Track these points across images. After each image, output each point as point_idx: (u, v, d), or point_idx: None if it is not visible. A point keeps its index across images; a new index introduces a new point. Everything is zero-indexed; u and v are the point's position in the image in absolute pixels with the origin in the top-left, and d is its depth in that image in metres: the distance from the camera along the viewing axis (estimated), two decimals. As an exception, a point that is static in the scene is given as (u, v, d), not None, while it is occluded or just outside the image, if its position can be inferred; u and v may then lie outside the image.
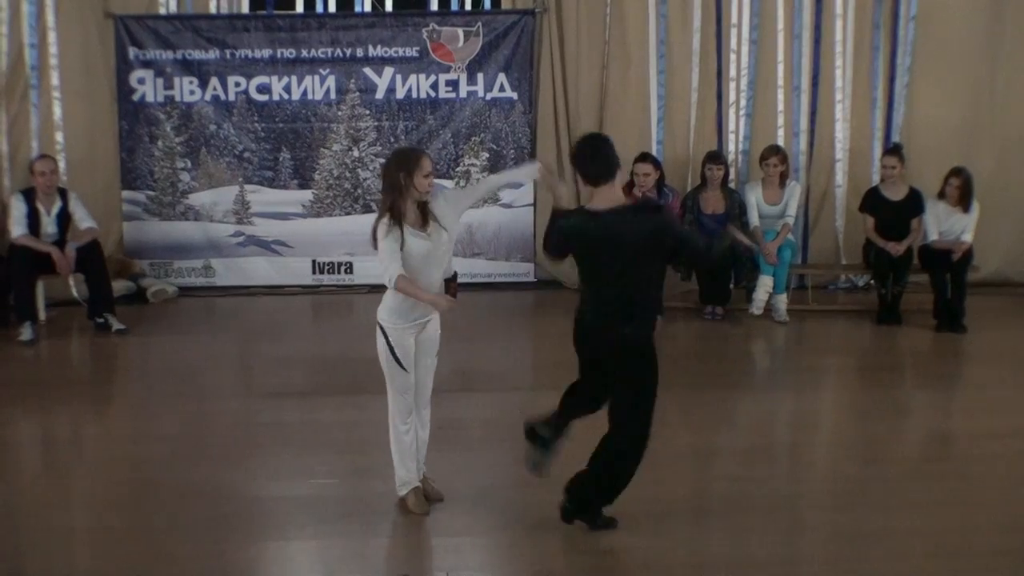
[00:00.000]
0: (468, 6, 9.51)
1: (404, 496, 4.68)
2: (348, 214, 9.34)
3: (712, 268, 8.02)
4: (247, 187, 9.27)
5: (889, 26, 9.13)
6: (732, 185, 8.80)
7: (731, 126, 9.32)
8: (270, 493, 4.98)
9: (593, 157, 4.27)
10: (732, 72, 9.24)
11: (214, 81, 9.11)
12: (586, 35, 9.21)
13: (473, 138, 9.28)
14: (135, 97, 9.08)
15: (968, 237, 8.17)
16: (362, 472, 5.16)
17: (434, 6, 9.46)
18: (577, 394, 4.51)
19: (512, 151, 9.30)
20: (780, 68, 9.24)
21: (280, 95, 9.18)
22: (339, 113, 9.23)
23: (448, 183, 9.13)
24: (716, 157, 8.56)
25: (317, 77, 9.17)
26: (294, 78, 9.15)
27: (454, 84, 9.22)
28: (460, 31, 9.18)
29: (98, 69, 9.04)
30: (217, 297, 9.19)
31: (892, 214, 8.32)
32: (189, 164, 9.22)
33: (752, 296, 8.38)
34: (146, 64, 9.05)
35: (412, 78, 9.19)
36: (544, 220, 4.84)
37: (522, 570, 4.27)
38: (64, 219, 8.05)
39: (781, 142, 9.12)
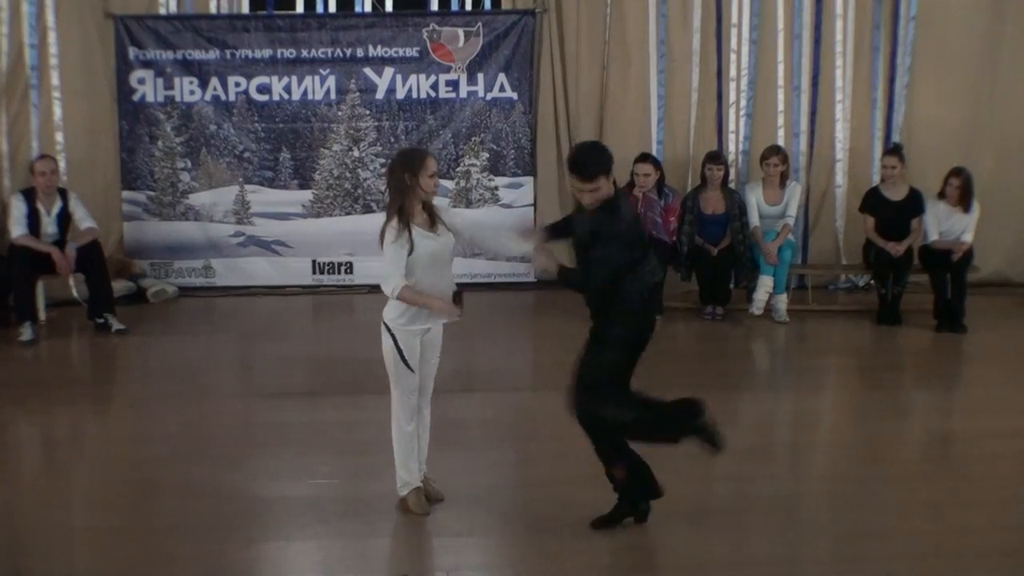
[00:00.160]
0: (468, 6, 9.51)
1: (405, 496, 4.67)
2: (348, 214, 9.35)
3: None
4: (247, 187, 9.27)
5: (889, 26, 9.14)
6: (732, 185, 8.80)
7: (731, 126, 9.34)
8: (270, 493, 4.98)
9: (580, 164, 4.29)
10: (732, 72, 9.25)
11: (214, 81, 9.12)
12: (586, 35, 9.22)
13: (473, 138, 9.29)
14: (135, 97, 9.09)
15: (968, 237, 8.17)
16: (362, 472, 5.15)
17: (434, 6, 9.46)
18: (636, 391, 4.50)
19: (512, 151, 9.30)
20: (780, 68, 9.25)
21: (280, 95, 9.19)
22: (339, 113, 9.23)
23: (448, 183, 9.15)
24: (716, 157, 8.56)
25: (317, 77, 9.17)
26: (294, 78, 9.16)
27: (454, 84, 9.23)
28: (460, 31, 9.18)
29: (98, 69, 9.05)
30: (217, 297, 9.20)
31: (892, 214, 8.32)
32: (189, 164, 9.23)
33: (752, 296, 8.39)
34: (146, 64, 9.06)
35: (412, 78, 9.20)
36: (544, 220, 4.86)
37: (522, 570, 4.26)
38: (64, 219, 8.05)
39: (781, 142, 9.12)
